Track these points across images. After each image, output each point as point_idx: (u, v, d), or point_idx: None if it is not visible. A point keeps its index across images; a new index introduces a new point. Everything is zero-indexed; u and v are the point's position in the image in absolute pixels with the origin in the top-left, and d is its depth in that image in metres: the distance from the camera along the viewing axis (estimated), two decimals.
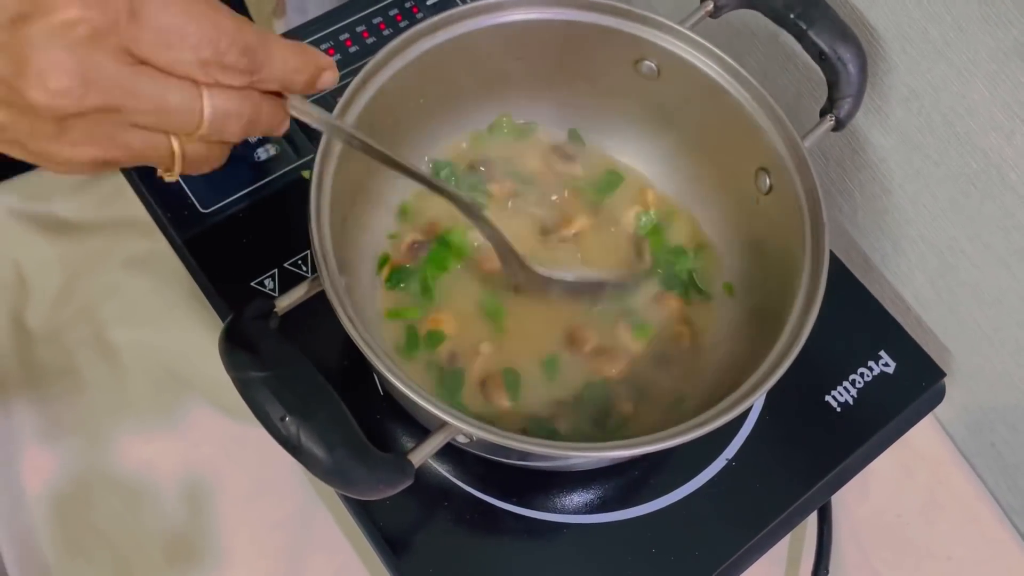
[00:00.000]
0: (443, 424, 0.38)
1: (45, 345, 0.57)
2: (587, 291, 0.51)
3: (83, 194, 0.61)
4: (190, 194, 0.56)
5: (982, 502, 0.59)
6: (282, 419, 0.34)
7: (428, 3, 0.64)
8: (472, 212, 0.43)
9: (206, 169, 0.34)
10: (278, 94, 0.34)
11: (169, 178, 0.33)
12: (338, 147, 0.44)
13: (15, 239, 0.59)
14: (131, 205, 0.59)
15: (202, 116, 0.30)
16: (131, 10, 0.28)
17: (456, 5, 0.48)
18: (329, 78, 0.35)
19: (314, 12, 0.64)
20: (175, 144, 0.31)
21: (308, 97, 0.35)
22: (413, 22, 0.61)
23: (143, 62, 0.29)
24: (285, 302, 0.39)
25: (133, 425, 0.55)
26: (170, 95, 0.29)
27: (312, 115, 0.35)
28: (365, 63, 0.45)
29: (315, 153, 0.42)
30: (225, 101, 0.31)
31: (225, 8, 0.30)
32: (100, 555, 0.52)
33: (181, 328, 0.57)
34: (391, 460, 0.36)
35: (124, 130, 0.30)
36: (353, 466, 0.34)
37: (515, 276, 0.49)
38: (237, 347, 0.35)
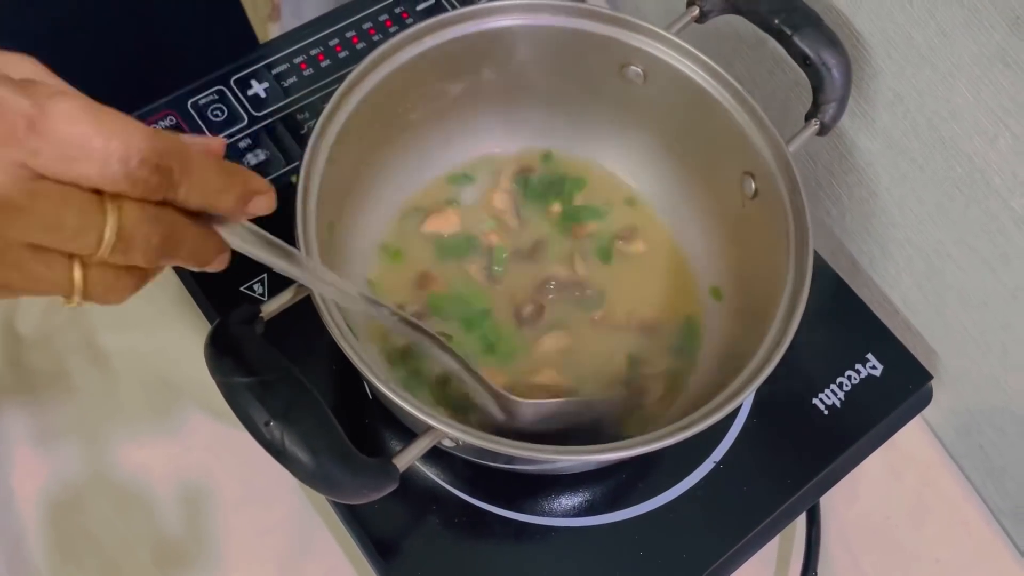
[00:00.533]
0: (428, 428, 0.38)
1: (36, 350, 0.57)
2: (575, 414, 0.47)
3: None
4: None
5: (970, 504, 0.59)
6: (266, 424, 0.34)
7: (418, 9, 0.64)
8: (439, 345, 0.42)
9: (114, 299, 0.30)
10: (208, 219, 0.31)
11: (69, 305, 0.29)
12: (325, 153, 0.44)
13: None
14: None
15: (102, 234, 0.27)
16: (30, 120, 0.25)
17: (446, 11, 0.48)
18: (262, 204, 0.32)
19: (309, 16, 0.64)
20: (76, 269, 0.28)
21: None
22: (403, 28, 0.62)
23: (42, 176, 0.26)
24: (271, 307, 0.39)
25: (124, 430, 0.55)
26: (67, 212, 0.26)
27: (256, 252, 0.33)
28: (352, 70, 0.46)
29: (303, 158, 0.43)
30: (133, 218, 0.28)
31: (137, 122, 0.27)
32: (90, 560, 0.52)
33: (171, 333, 0.58)
34: (375, 464, 0.36)
35: (12, 250, 0.27)
36: (337, 470, 0.35)
37: (492, 418, 0.45)
38: (222, 352, 0.36)
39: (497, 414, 0.45)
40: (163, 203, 0.29)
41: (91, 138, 0.26)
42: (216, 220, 0.32)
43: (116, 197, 0.27)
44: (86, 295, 0.29)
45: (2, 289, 0.28)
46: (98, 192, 0.27)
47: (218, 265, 0.33)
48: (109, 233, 0.27)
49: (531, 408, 0.44)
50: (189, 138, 0.30)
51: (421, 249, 0.54)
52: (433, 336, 0.42)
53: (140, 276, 0.30)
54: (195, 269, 0.32)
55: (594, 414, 0.48)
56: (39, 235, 0.27)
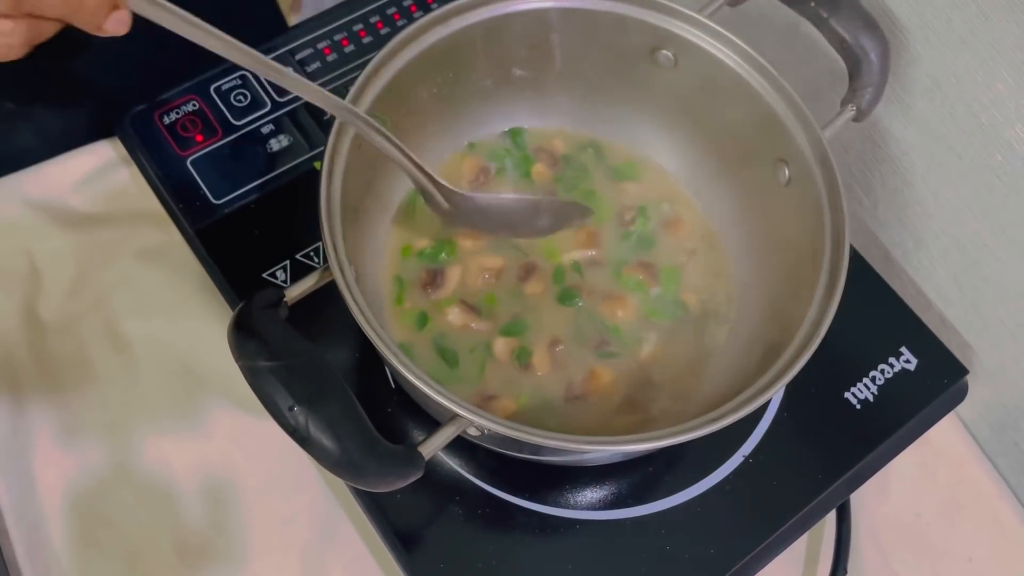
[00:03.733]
0: (453, 416, 0.37)
1: (58, 336, 0.57)
2: (527, 215, 0.49)
3: (96, 185, 0.61)
4: (202, 185, 0.56)
5: (1004, 503, 0.58)
6: (291, 409, 0.33)
7: None
8: (374, 130, 0.41)
9: (2, 52, 0.30)
10: None
11: None
12: (350, 136, 0.43)
13: (28, 230, 0.59)
14: (144, 196, 0.59)
15: None
16: None
17: None
18: None
19: (331, 3, 0.64)
20: None
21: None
22: (427, 12, 0.61)
23: None
24: (295, 292, 0.39)
25: (146, 417, 0.55)
26: None
27: (170, 15, 0.31)
28: (377, 53, 0.45)
29: (327, 144, 0.42)
30: None
31: None
32: (111, 549, 0.51)
33: (194, 320, 0.57)
34: (401, 452, 0.35)
35: None
36: (362, 457, 0.34)
37: (436, 205, 0.47)
38: (246, 336, 0.35)
39: (442, 203, 0.46)
40: None
41: None
42: None
43: None
44: None
45: None
46: None
47: (115, 26, 0.31)
48: None
49: (471, 200, 0.47)
50: None
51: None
52: (367, 120, 0.41)
53: (24, 27, 0.30)
54: (91, 31, 0.31)
55: (550, 213, 0.50)
56: None
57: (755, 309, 0.50)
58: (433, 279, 0.51)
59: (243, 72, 0.59)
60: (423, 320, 0.50)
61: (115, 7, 0.31)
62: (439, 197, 0.46)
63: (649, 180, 0.55)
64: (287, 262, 0.54)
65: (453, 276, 0.51)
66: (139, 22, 0.33)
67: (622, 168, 0.56)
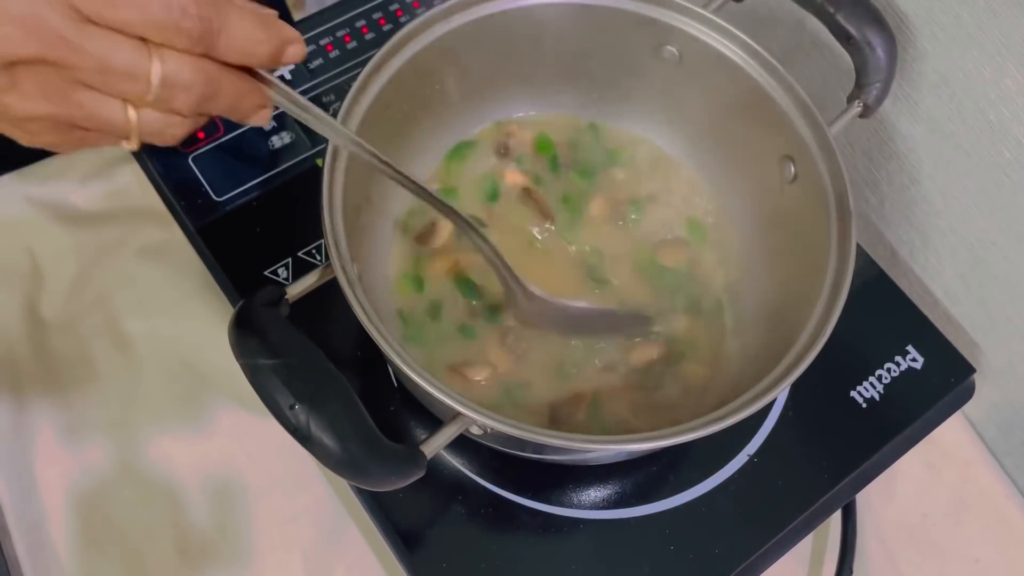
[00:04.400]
0: (456, 414, 0.37)
1: (59, 334, 0.56)
2: (598, 322, 0.49)
3: (98, 183, 0.61)
4: (204, 182, 0.56)
5: (1012, 503, 0.58)
6: (292, 407, 0.33)
7: None
8: (471, 229, 0.42)
9: (168, 140, 0.32)
10: (250, 73, 0.33)
11: (128, 147, 0.32)
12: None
13: (30, 228, 0.59)
14: (146, 194, 0.58)
15: (149, 79, 0.30)
16: None
17: None
18: (294, 52, 0.33)
19: (332, 0, 0.63)
20: (130, 110, 0.31)
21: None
22: (430, 8, 0.61)
23: (91, 20, 0.28)
24: (296, 289, 0.39)
25: (148, 416, 0.55)
26: (115, 55, 0.29)
27: (294, 106, 0.34)
28: (380, 49, 0.45)
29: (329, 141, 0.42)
30: (176, 68, 0.30)
31: None
32: (113, 549, 0.51)
33: (195, 318, 0.57)
34: (403, 450, 0.35)
35: (74, 88, 0.30)
36: (364, 456, 0.34)
37: (516, 304, 0.47)
38: (247, 333, 0.35)
39: (523, 303, 0.46)
40: (204, 56, 0.31)
41: None
42: (255, 72, 0.33)
43: (159, 47, 0.30)
44: (143, 135, 0.32)
45: (68, 128, 0.31)
46: (143, 41, 0.29)
47: (259, 120, 0.34)
48: (155, 78, 0.30)
49: (552, 305, 0.46)
50: None
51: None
52: (465, 219, 0.42)
53: (188, 119, 0.33)
54: (237, 121, 0.34)
55: (617, 322, 0.50)
56: (93, 76, 0.29)
57: (760, 307, 0.49)
58: (427, 233, 0.51)
59: None
60: (419, 284, 0.50)
61: (263, 106, 0.34)
62: (519, 295, 0.46)
63: (639, 161, 0.55)
64: (289, 260, 0.54)
65: (444, 226, 0.51)
66: None
67: (613, 152, 0.55)
